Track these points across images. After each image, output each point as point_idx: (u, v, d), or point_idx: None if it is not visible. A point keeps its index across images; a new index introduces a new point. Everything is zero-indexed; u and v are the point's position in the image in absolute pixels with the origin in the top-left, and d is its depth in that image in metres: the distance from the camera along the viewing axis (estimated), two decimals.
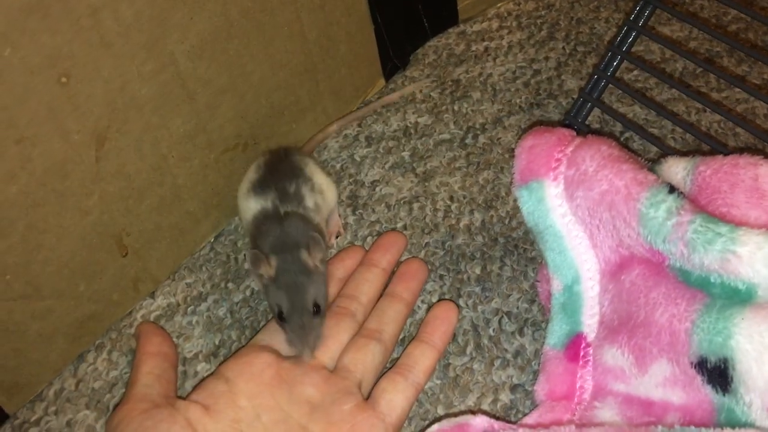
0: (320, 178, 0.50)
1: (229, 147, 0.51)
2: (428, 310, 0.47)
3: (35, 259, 0.42)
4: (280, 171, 0.48)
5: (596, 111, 0.57)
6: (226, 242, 0.53)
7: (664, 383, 0.36)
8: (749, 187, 0.37)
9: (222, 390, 0.40)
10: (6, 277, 0.41)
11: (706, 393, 0.35)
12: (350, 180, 0.56)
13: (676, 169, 0.41)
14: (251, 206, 0.47)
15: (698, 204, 0.38)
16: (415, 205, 0.54)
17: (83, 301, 0.46)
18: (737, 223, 0.35)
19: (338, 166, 0.57)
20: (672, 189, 0.36)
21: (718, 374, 0.33)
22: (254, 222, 0.47)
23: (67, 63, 0.39)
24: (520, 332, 0.46)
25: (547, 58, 0.63)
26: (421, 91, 0.62)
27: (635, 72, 0.61)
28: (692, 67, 0.61)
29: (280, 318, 0.42)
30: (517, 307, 0.47)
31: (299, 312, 0.41)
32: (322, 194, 0.49)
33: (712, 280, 0.35)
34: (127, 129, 0.44)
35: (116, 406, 0.40)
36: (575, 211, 0.41)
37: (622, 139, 0.56)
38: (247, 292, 0.50)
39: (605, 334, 0.40)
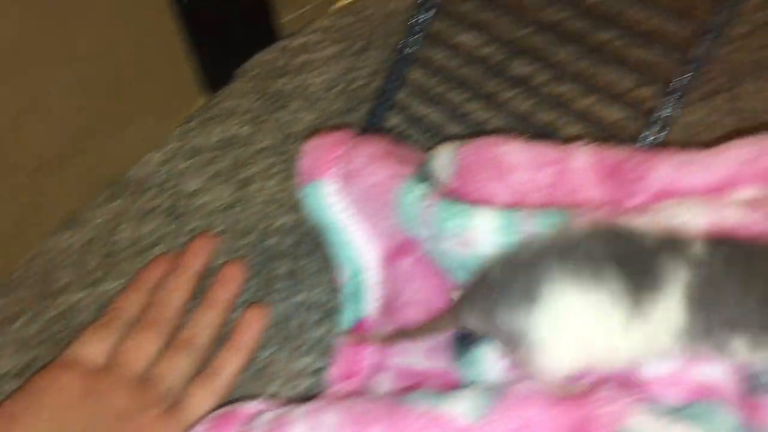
0: None
1: (35, 167, 0.52)
2: (239, 307, 0.50)
3: None
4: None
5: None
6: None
7: (428, 353, 0.40)
8: (493, 164, 0.42)
9: (25, 405, 0.41)
10: None
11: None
12: (170, 192, 0.58)
13: (443, 154, 0.45)
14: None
15: (455, 185, 0.42)
16: (233, 211, 0.56)
17: None
18: (482, 201, 0.39)
19: (159, 180, 0.59)
20: (425, 179, 0.41)
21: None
22: None
23: None
24: (323, 321, 0.49)
25: (362, 67, 0.67)
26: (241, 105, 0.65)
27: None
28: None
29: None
30: (322, 298, 0.50)
31: None
32: None
33: (456, 260, 0.39)
34: None
35: None
36: (352, 205, 0.44)
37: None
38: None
39: (384, 313, 0.44)
